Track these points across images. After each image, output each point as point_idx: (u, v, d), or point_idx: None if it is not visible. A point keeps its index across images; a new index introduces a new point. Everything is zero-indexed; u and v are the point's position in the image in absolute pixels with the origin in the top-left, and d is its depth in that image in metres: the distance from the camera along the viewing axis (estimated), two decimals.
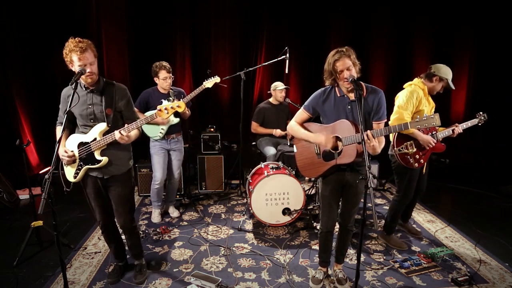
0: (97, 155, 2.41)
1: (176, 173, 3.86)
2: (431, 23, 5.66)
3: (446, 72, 2.99)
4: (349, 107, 2.33)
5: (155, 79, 3.59)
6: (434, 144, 2.97)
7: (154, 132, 3.60)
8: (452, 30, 5.65)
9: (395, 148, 3.01)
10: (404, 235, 3.53)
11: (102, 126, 2.39)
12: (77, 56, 2.22)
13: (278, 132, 4.39)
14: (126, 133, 2.32)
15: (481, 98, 5.54)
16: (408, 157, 2.99)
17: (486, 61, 5.47)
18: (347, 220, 2.61)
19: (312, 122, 2.54)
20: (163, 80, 3.54)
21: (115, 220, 2.67)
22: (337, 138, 2.34)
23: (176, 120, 3.65)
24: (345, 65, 2.21)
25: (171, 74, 3.58)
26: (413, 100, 2.92)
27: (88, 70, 2.26)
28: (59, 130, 2.52)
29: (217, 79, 3.73)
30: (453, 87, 3.07)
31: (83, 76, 2.27)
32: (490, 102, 5.46)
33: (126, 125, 2.36)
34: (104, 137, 2.37)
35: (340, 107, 2.35)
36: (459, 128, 3.12)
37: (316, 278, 2.75)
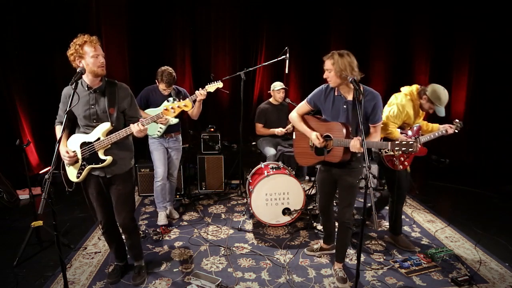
0: (101, 155, 2.41)
1: (174, 172, 3.85)
2: (431, 23, 5.67)
3: (436, 96, 2.91)
4: (344, 106, 2.48)
5: (156, 81, 3.60)
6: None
7: (153, 130, 3.60)
8: (452, 30, 5.65)
9: (381, 150, 3.03)
10: (404, 235, 3.52)
11: (106, 125, 2.39)
12: (92, 47, 2.25)
13: (279, 130, 4.38)
14: (144, 127, 2.35)
15: (481, 98, 5.55)
16: (394, 158, 3.01)
17: (486, 61, 5.47)
18: (342, 214, 2.69)
19: (311, 116, 2.74)
20: (163, 89, 3.57)
21: (115, 219, 2.67)
22: (329, 138, 2.56)
23: (175, 120, 3.64)
24: (325, 66, 2.45)
25: (172, 87, 3.58)
26: (402, 116, 2.95)
27: (102, 60, 2.30)
28: (58, 129, 2.52)
29: (219, 84, 3.68)
30: (441, 115, 2.97)
31: (91, 71, 2.28)
32: (490, 102, 5.46)
33: (141, 119, 2.37)
34: (113, 134, 2.36)
35: (337, 106, 2.52)
36: (452, 129, 3.15)
37: (311, 247, 3.18)
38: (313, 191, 4.25)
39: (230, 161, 4.86)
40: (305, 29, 5.64)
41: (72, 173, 2.47)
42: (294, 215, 3.62)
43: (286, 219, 3.63)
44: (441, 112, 2.97)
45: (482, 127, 5.68)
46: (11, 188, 4.33)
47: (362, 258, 3.09)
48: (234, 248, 3.27)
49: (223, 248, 3.26)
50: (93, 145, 2.39)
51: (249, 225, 3.77)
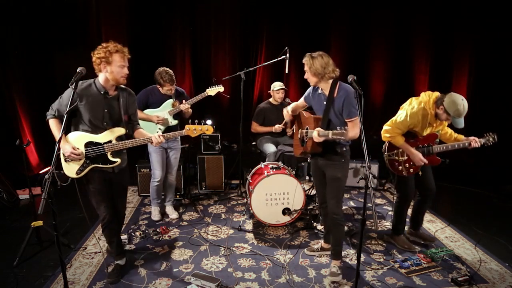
0: (110, 157, 2.50)
1: (173, 171, 3.87)
2: (431, 23, 5.66)
3: (453, 109, 2.70)
4: (324, 102, 2.67)
5: (158, 86, 3.60)
6: (423, 163, 2.91)
7: (151, 131, 3.61)
8: (452, 30, 5.64)
9: (386, 153, 3.02)
10: (404, 235, 3.51)
11: (120, 131, 2.51)
12: (122, 58, 2.38)
13: (276, 127, 4.38)
14: (165, 139, 2.56)
15: (481, 98, 5.54)
16: (397, 164, 2.99)
17: (486, 61, 5.46)
18: (329, 206, 2.76)
19: (305, 111, 2.92)
20: (168, 90, 3.60)
21: (118, 209, 2.76)
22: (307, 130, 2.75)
23: (174, 122, 3.70)
24: (304, 67, 2.64)
25: (174, 85, 3.62)
26: (407, 123, 2.86)
27: (126, 72, 2.43)
28: (53, 123, 2.51)
29: (220, 88, 3.82)
30: (458, 126, 2.77)
31: (114, 79, 2.39)
32: (490, 102, 5.45)
33: (165, 134, 2.61)
34: (128, 141, 2.50)
35: (320, 102, 2.71)
36: (477, 142, 2.96)
37: (311, 247, 3.20)
38: (313, 191, 4.25)
39: (230, 161, 4.86)
40: (305, 29, 5.64)
41: (71, 169, 2.48)
42: (294, 215, 3.62)
43: (286, 219, 3.62)
44: (459, 123, 2.76)
45: (482, 127, 5.65)
46: (11, 188, 4.33)
47: (362, 258, 3.09)
48: (234, 248, 3.27)
49: (223, 248, 3.26)
50: (103, 147, 2.46)
51: (249, 225, 3.77)
